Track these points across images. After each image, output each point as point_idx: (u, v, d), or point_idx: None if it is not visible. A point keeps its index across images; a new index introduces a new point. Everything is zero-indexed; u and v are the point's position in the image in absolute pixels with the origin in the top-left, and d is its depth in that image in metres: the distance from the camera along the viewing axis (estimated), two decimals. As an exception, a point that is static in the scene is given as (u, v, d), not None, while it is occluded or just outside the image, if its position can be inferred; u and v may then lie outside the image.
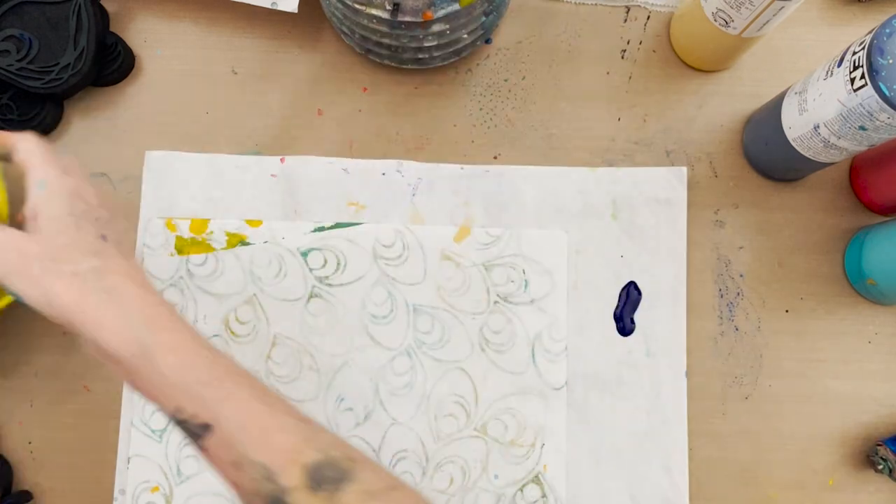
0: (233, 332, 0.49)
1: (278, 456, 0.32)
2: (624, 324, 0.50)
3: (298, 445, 0.33)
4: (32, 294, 0.34)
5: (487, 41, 0.53)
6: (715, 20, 0.47)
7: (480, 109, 0.53)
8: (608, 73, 0.53)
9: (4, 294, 0.49)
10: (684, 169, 0.51)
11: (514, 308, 0.49)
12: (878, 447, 0.47)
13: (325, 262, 0.50)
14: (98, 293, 0.34)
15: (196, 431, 0.33)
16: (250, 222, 0.50)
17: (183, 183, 0.51)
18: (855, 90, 0.39)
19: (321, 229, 0.50)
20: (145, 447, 0.48)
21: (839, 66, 0.40)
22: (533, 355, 0.49)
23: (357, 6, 0.45)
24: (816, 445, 0.49)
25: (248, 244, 0.50)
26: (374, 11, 0.45)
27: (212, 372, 0.34)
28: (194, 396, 0.33)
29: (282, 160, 0.51)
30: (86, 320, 0.34)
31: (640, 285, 0.50)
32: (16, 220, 0.40)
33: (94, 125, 0.52)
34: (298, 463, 0.32)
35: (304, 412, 0.36)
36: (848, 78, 0.39)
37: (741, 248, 0.51)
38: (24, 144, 0.38)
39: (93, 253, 0.35)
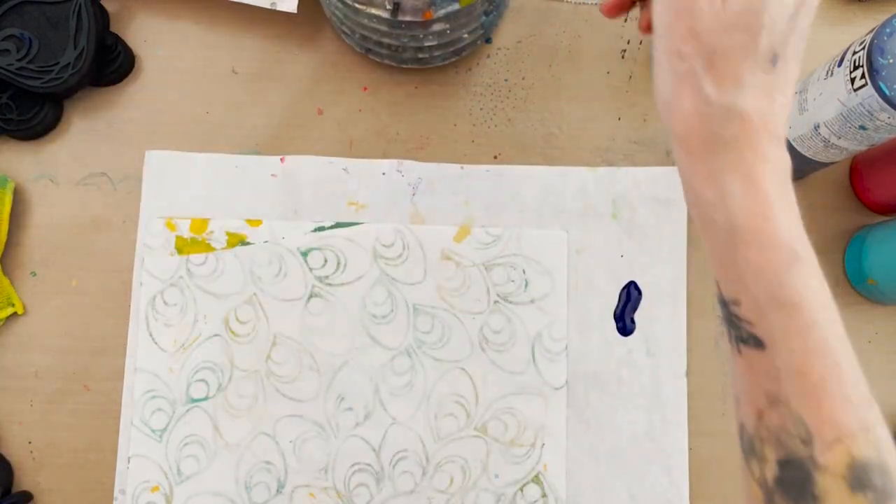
0: (233, 332, 0.49)
1: (827, 426, 0.27)
2: (624, 324, 0.50)
3: (854, 430, 0.27)
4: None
5: (487, 41, 0.53)
6: (715, 20, 0.47)
7: (480, 109, 0.53)
8: (608, 72, 0.53)
9: (5, 306, 0.49)
10: (684, 169, 0.51)
11: (514, 308, 0.49)
12: (879, 447, 0.47)
13: (325, 261, 0.50)
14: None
15: (742, 335, 0.29)
16: (250, 222, 0.50)
17: (183, 183, 0.51)
18: (855, 90, 0.39)
19: (321, 229, 0.50)
20: (145, 447, 0.48)
21: (839, 65, 0.40)
22: (533, 355, 0.49)
23: (357, 6, 0.45)
24: (816, 445, 0.49)
25: (248, 244, 0.50)
26: (374, 11, 0.45)
27: (794, 296, 0.27)
28: (760, 306, 0.28)
29: (282, 160, 0.51)
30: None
31: (640, 285, 0.50)
32: None
33: (94, 125, 0.52)
34: (847, 449, 0.27)
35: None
36: (848, 77, 0.39)
37: (741, 247, 0.51)
38: None
39: (735, 80, 0.27)
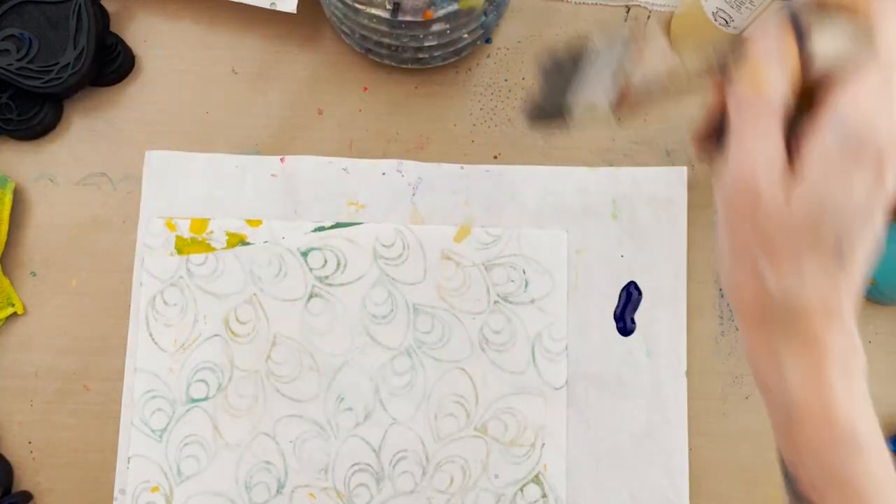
0: (233, 332, 0.49)
1: None
2: (624, 324, 0.50)
3: None
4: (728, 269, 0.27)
5: (487, 41, 0.53)
6: (715, 20, 0.47)
7: (480, 109, 0.53)
8: (608, 72, 0.53)
9: (5, 306, 0.49)
10: (685, 169, 0.51)
11: (514, 308, 0.49)
12: (879, 447, 0.47)
13: (325, 261, 0.50)
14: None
15: (798, 499, 0.29)
16: (250, 222, 0.50)
17: (183, 183, 0.51)
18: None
19: (321, 229, 0.50)
20: (145, 447, 0.48)
21: None
22: (533, 355, 0.49)
23: (357, 6, 0.45)
24: (816, 445, 0.49)
25: (248, 244, 0.50)
26: (374, 11, 0.45)
27: (853, 483, 0.27)
28: (816, 486, 0.28)
29: (282, 160, 0.51)
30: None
31: (640, 285, 0.50)
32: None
33: (94, 125, 0.52)
34: None
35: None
36: (848, 78, 0.39)
37: (741, 247, 0.51)
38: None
39: (796, 267, 0.26)
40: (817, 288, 0.26)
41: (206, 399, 0.48)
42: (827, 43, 0.24)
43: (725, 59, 0.27)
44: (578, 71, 0.34)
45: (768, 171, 0.25)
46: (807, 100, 0.25)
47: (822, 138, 0.24)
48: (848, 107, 0.23)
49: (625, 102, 0.32)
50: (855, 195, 0.24)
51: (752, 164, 0.25)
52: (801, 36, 0.25)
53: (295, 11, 0.50)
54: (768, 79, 0.25)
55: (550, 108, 0.34)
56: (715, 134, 0.28)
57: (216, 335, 0.49)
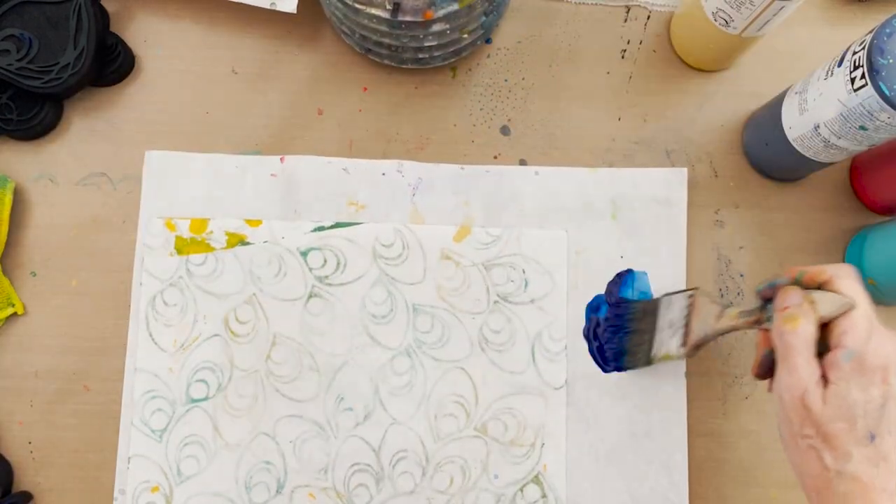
0: (232, 332, 0.49)
1: None
2: (624, 324, 0.50)
3: None
4: (790, 455, 0.38)
5: (487, 41, 0.53)
6: (715, 20, 0.47)
7: (480, 109, 0.53)
8: (608, 73, 0.53)
9: (5, 306, 0.49)
10: (684, 170, 0.51)
11: (513, 308, 0.49)
12: (879, 447, 0.47)
13: (325, 261, 0.50)
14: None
15: None
16: (250, 222, 0.50)
17: (182, 183, 0.51)
18: (855, 90, 0.39)
19: (321, 229, 0.50)
20: (145, 447, 0.48)
21: (839, 65, 0.40)
22: (533, 355, 0.49)
23: (357, 6, 0.45)
24: (816, 445, 0.49)
25: (247, 244, 0.50)
26: (374, 11, 0.45)
27: None
28: None
29: (281, 160, 0.51)
30: None
31: (640, 285, 0.50)
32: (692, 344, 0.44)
33: (93, 125, 0.52)
34: None
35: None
36: (848, 78, 0.39)
37: (741, 248, 0.51)
38: (849, 283, 0.38)
39: (842, 455, 0.35)
40: (862, 464, 0.35)
41: (205, 399, 0.48)
42: (826, 304, 0.37)
43: (758, 316, 0.41)
44: (654, 331, 0.46)
45: (811, 383, 0.36)
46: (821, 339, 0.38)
47: (838, 359, 0.36)
48: (849, 338, 0.36)
49: (688, 347, 0.45)
50: (870, 392, 0.35)
51: (799, 380, 0.36)
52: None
53: (295, 11, 0.50)
54: (801, 322, 0.37)
55: (641, 363, 0.48)
56: (767, 366, 0.41)
57: (216, 335, 0.49)
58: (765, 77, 0.53)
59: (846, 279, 0.38)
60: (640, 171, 0.51)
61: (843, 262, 0.51)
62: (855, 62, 0.39)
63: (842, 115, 0.40)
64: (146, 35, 0.53)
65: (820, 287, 0.38)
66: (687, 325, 0.45)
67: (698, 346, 0.44)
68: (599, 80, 0.53)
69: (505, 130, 0.52)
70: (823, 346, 0.37)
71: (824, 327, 0.37)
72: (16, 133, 0.50)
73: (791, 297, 0.38)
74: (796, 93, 0.45)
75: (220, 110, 0.52)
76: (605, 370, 0.48)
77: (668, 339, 0.46)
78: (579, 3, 0.54)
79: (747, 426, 0.49)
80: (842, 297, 0.37)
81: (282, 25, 0.53)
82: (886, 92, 0.37)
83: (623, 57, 0.54)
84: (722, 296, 0.50)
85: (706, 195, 0.52)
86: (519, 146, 0.52)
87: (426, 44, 0.48)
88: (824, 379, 0.36)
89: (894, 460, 0.35)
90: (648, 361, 0.47)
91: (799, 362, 0.36)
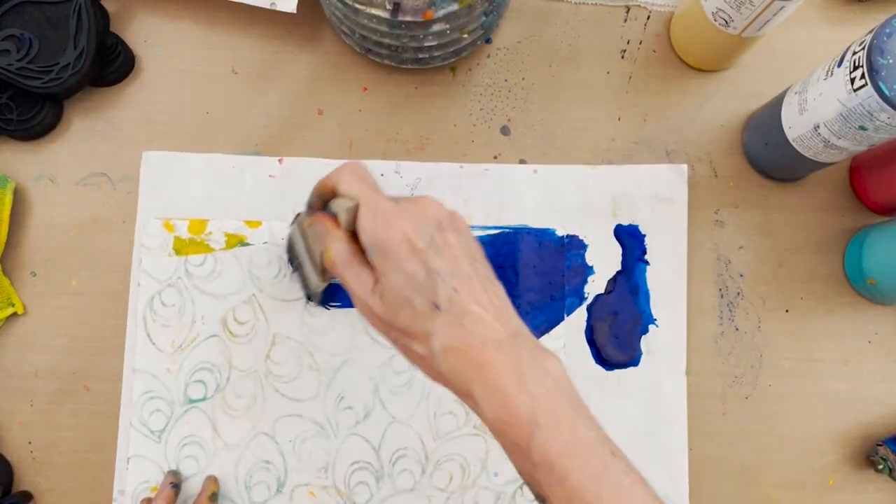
0: (231, 333, 0.49)
1: None
2: (624, 324, 0.50)
3: None
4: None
5: (487, 41, 0.53)
6: (715, 20, 0.47)
7: (480, 109, 0.53)
8: (608, 73, 0.53)
9: (5, 306, 0.49)
10: (685, 166, 0.51)
11: (513, 308, 0.49)
12: (878, 447, 0.47)
13: (325, 261, 0.50)
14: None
15: (536, 495, 0.34)
16: (250, 223, 0.50)
17: (181, 183, 0.51)
18: (855, 90, 0.39)
19: (321, 229, 0.50)
20: (145, 447, 0.48)
21: (839, 66, 0.40)
22: (533, 355, 0.49)
23: (357, 6, 0.45)
24: (816, 445, 0.49)
25: (247, 245, 0.50)
26: (374, 11, 0.45)
27: (542, 458, 0.32)
28: (530, 474, 0.33)
29: (280, 161, 0.51)
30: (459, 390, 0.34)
31: (639, 285, 0.50)
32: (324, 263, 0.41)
33: (93, 125, 0.52)
34: None
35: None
36: (848, 78, 0.39)
37: (741, 248, 0.51)
38: (342, 177, 0.38)
39: (424, 337, 0.34)
40: (448, 334, 0.33)
41: (204, 399, 0.48)
42: (339, 206, 0.38)
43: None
44: (303, 264, 0.45)
45: (366, 292, 0.36)
46: None
47: (370, 259, 0.36)
48: (365, 235, 0.36)
49: (318, 274, 0.43)
50: (407, 270, 0.34)
51: (356, 295, 0.36)
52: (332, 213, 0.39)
53: (295, 11, 0.50)
54: (330, 247, 0.37)
55: (315, 298, 0.48)
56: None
57: (214, 336, 0.49)
58: (765, 77, 0.53)
59: (345, 181, 0.38)
60: (640, 168, 0.51)
61: (844, 262, 0.51)
62: (855, 62, 0.39)
63: (842, 115, 0.40)
64: (146, 35, 0.53)
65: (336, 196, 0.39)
66: (310, 251, 0.43)
67: (324, 271, 0.41)
68: (599, 80, 0.53)
69: (505, 130, 0.52)
70: None
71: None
72: (16, 133, 0.50)
73: (316, 226, 0.39)
74: (796, 93, 0.45)
75: (220, 110, 0.52)
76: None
77: (310, 271, 0.44)
78: (579, 3, 0.54)
79: (747, 426, 0.49)
80: (346, 201, 0.37)
81: (282, 25, 0.53)
82: (886, 92, 0.37)
83: (623, 57, 0.54)
84: (722, 296, 0.50)
85: (706, 195, 0.52)
86: (519, 146, 0.52)
87: (426, 44, 0.48)
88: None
89: (477, 310, 0.34)
90: (315, 296, 0.48)
91: (348, 280, 0.36)
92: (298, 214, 0.43)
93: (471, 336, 0.33)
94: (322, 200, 0.40)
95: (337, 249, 0.37)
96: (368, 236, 0.35)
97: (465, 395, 0.34)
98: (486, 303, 0.34)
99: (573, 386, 0.34)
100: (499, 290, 0.36)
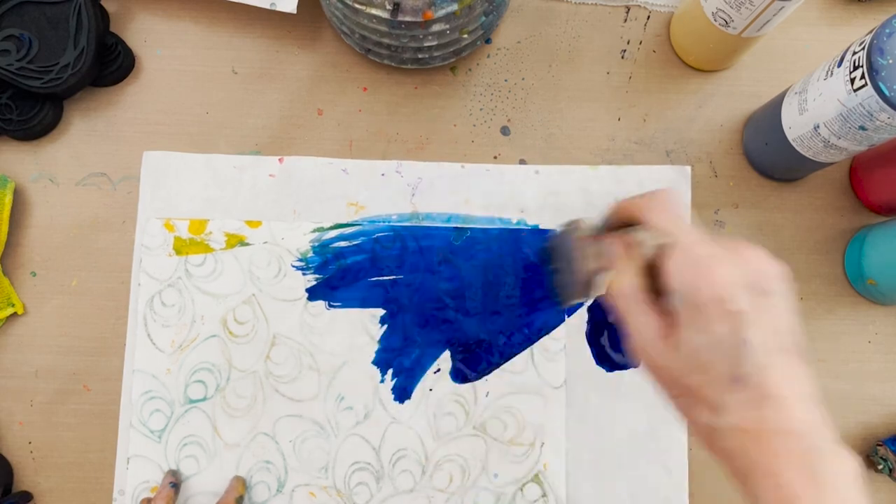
0: (231, 333, 0.49)
1: None
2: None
3: None
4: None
5: (487, 41, 0.53)
6: (715, 20, 0.47)
7: (480, 109, 0.53)
8: (608, 73, 0.53)
9: (5, 306, 0.49)
10: (689, 168, 0.51)
11: (513, 308, 0.49)
12: (878, 447, 0.47)
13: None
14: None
15: None
16: (250, 223, 0.50)
17: (181, 183, 0.51)
18: (855, 90, 0.39)
19: (321, 230, 0.50)
20: (145, 447, 0.48)
21: (839, 66, 0.40)
22: (532, 354, 0.49)
23: (357, 6, 0.45)
24: (816, 445, 0.49)
25: (247, 245, 0.50)
26: (374, 11, 0.45)
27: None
28: None
29: (280, 160, 0.51)
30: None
31: (640, 285, 0.50)
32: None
33: (93, 125, 0.52)
34: None
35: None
36: (848, 78, 0.39)
37: (741, 247, 0.51)
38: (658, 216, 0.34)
39: (714, 407, 0.31)
40: (742, 412, 0.30)
41: (204, 400, 0.48)
42: (646, 238, 0.34)
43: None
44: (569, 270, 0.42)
45: (650, 339, 0.32)
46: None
47: (672, 306, 0.32)
48: (674, 279, 0.32)
49: (591, 291, 0.40)
50: (714, 332, 0.30)
51: (638, 338, 0.33)
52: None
53: (295, 11, 0.50)
54: (620, 277, 0.34)
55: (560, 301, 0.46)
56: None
57: (214, 336, 0.49)
58: (765, 77, 0.53)
59: (655, 213, 0.34)
60: (643, 169, 0.51)
61: (844, 262, 0.51)
62: (855, 62, 0.39)
63: (841, 115, 0.40)
64: (146, 35, 0.53)
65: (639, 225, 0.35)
66: (580, 262, 0.40)
67: (587, 286, 0.39)
68: (599, 80, 0.53)
69: (505, 130, 0.52)
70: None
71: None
72: (16, 133, 0.50)
73: (607, 247, 0.35)
74: (796, 93, 0.45)
75: (220, 110, 0.52)
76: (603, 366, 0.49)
77: (571, 280, 0.41)
78: (579, 3, 0.54)
79: (747, 426, 0.49)
80: (655, 235, 0.33)
81: (282, 25, 0.53)
82: (886, 92, 0.37)
83: (623, 57, 0.54)
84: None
85: (706, 195, 0.52)
86: (519, 146, 0.52)
87: (426, 44, 0.48)
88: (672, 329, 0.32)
89: (785, 394, 0.30)
90: (565, 303, 0.47)
91: (631, 318, 0.33)
92: (575, 221, 0.41)
93: (767, 422, 0.30)
94: (622, 223, 0.37)
95: (628, 282, 0.34)
96: (678, 282, 0.32)
97: (742, 477, 0.31)
98: (792, 387, 0.31)
99: (862, 491, 0.31)
100: (807, 372, 0.32)
